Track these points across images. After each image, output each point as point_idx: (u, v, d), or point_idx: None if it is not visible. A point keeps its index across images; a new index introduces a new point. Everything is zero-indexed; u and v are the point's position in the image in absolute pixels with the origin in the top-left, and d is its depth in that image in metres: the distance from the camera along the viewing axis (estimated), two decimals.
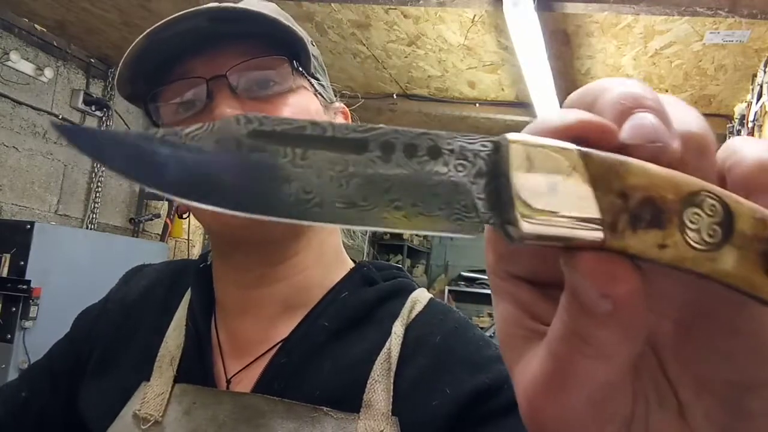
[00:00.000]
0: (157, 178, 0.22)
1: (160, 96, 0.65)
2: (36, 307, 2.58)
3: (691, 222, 0.21)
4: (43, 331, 2.55)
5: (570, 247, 0.22)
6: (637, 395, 0.25)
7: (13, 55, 3.18)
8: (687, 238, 0.21)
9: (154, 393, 0.65)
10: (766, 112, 2.79)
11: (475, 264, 6.81)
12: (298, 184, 0.22)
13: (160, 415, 0.64)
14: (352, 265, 0.73)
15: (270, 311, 0.67)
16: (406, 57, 3.39)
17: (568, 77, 3.40)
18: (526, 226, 0.21)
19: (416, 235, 5.88)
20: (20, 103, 3.32)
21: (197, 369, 0.66)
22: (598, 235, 0.21)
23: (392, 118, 4.12)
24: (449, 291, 6.73)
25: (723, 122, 3.55)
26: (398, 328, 0.64)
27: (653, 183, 0.21)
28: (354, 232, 0.80)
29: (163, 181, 0.22)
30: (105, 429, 0.66)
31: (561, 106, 0.26)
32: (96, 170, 3.84)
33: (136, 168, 0.23)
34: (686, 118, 0.23)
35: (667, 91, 3.35)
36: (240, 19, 0.61)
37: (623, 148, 0.22)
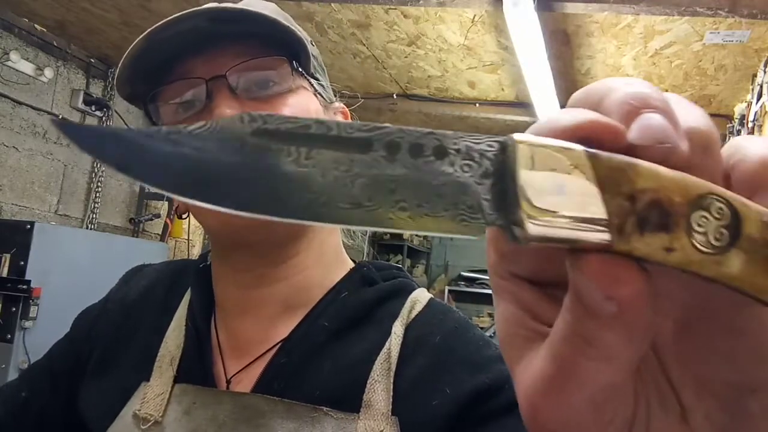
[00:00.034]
0: (159, 176, 0.22)
1: (160, 96, 0.65)
2: (36, 307, 2.58)
3: (699, 225, 0.21)
4: (43, 331, 2.55)
5: (576, 248, 0.21)
6: (638, 397, 0.25)
7: (13, 55, 3.18)
8: (694, 241, 0.21)
9: (154, 393, 0.65)
10: (766, 112, 2.79)
11: (475, 264, 6.81)
12: (302, 183, 0.22)
13: (160, 415, 0.64)
14: (352, 265, 0.73)
15: (270, 311, 0.67)
16: (406, 57, 3.39)
17: (568, 77, 3.40)
18: (532, 228, 0.21)
19: (416, 235, 5.88)
20: (20, 103, 3.32)
21: (197, 369, 0.66)
22: (605, 237, 0.21)
23: (392, 118, 4.12)
24: (449, 291, 6.73)
25: (723, 122, 3.55)
26: (398, 328, 0.64)
27: (662, 185, 0.21)
28: (354, 232, 0.80)
29: (165, 179, 0.22)
30: (105, 429, 0.66)
31: (564, 106, 0.26)
32: (96, 170, 3.84)
33: (136, 166, 0.22)
34: (691, 115, 0.23)
35: (666, 91, 3.33)
36: (239, 19, 0.61)
37: (630, 149, 0.22)
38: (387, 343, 0.63)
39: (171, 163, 0.22)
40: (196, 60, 0.63)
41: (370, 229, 0.23)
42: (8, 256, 2.59)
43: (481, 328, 0.88)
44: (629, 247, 0.21)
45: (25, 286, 2.55)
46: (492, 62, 3.36)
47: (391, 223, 0.22)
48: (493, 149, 0.23)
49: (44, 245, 2.66)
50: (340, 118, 0.74)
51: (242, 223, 0.61)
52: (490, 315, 6.25)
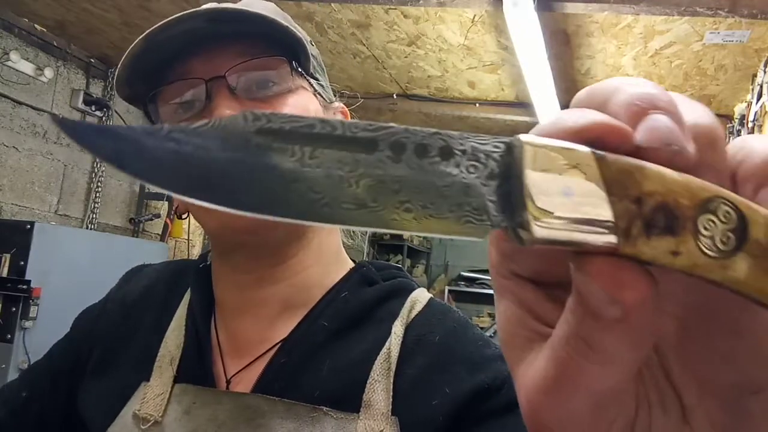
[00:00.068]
0: (158, 174, 0.22)
1: (160, 97, 0.65)
2: (36, 307, 2.58)
3: (705, 228, 0.21)
4: (43, 331, 2.55)
5: (581, 251, 0.21)
6: (640, 398, 0.25)
7: (13, 55, 3.18)
8: (700, 244, 0.21)
9: (153, 393, 0.65)
10: (766, 112, 2.79)
11: (475, 264, 6.80)
12: (306, 183, 0.22)
13: (160, 415, 0.64)
14: (351, 265, 0.73)
15: (270, 311, 0.67)
16: (406, 57, 3.39)
17: (568, 77, 3.40)
18: (538, 230, 0.21)
19: (417, 235, 5.87)
20: (20, 103, 3.32)
21: (197, 369, 0.66)
22: (611, 240, 0.21)
23: (392, 118, 4.11)
24: (449, 291, 6.72)
25: (723, 122, 3.54)
26: (398, 328, 0.64)
27: (669, 188, 0.21)
28: (353, 231, 0.80)
29: (164, 177, 0.22)
30: (105, 429, 0.66)
31: (565, 106, 0.25)
32: (96, 170, 3.84)
33: (135, 163, 0.22)
34: (695, 113, 0.23)
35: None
36: (239, 19, 0.61)
37: (637, 151, 0.22)
38: (387, 343, 0.63)
39: (171, 161, 0.22)
40: (195, 60, 0.63)
41: (374, 230, 0.23)
42: (8, 256, 2.59)
43: (481, 328, 0.88)
44: (635, 251, 0.21)
45: (25, 286, 2.54)
46: (492, 62, 3.36)
47: (396, 224, 0.22)
48: (499, 150, 0.23)
49: (44, 245, 2.66)
50: (339, 117, 0.74)
51: (242, 226, 0.61)
52: (490, 315, 6.25)
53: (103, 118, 3.81)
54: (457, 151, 0.22)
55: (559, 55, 3.11)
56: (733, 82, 3.26)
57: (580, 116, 0.23)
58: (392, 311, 0.66)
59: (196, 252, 4.26)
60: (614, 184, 0.21)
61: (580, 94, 0.25)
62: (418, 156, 0.22)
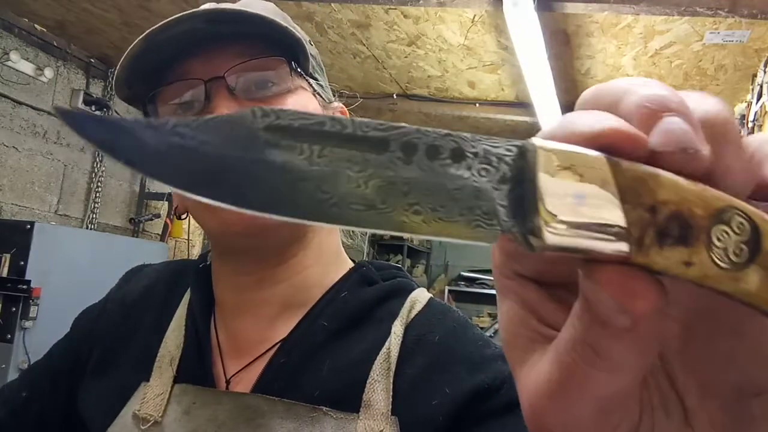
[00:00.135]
0: (162, 169, 0.21)
1: (159, 97, 0.65)
2: (36, 307, 2.58)
3: (719, 239, 0.20)
4: (43, 331, 2.55)
5: (592, 259, 0.21)
6: (643, 403, 0.25)
7: (13, 55, 3.18)
8: (713, 255, 0.20)
9: (153, 393, 0.65)
10: (766, 112, 2.79)
11: (475, 264, 6.80)
12: (314, 182, 0.21)
13: (160, 415, 0.64)
14: (351, 264, 0.73)
15: (269, 311, 0.67)
16: (406, 57, 3.39)
17: (568, 77, 3.40)
18: (550, 237, 0.20)
19: (425, 238, 5.86)
20: (20, 103, 3.32)
21: (197, 369, 0.66)
22: (624, 249, 0.20)
23: (392, 118, 4.11)
24: (449, 291, 6.72)
25: None
26: (398, 328, 0.64)
27: (683, 197, 0.20)
28: (353, 231, 0.80)
29: (168, 172, 0.21)
30: (105, 429, 0.66)
31: (565, 106, 0.25)
32: (96, 170, 3.84)
33: (140, 158, 0.21)
34: (704, 105, 0.23)
35: None
36: (238, 20, 0.61)
37: (651, 155, 0.21)
38: (387, 343, 0.63)
39: (174, 156, 0.21)
40: (194, 61, 0.63)
41: (382, 232, 0.22)
42: (8, 256, 2.59)
43: (481, 328, 0.88)
44: (648, 260, 0.20)
45: (25, 286, 2.54)
46: (492, 62, 3.36)
47: (404, 227, 0.22)
48: (511, 154, 0.22)
49: (44, 245, 2.66)
50: None
51: (242, 228, 0.61)
52: (490, 315, 6.25)
53: None
54: (468, 154, 0.22)
55: (559, 55, 3.11)
56: (733, 82, 3.26)
57: (594, 121, 0.22)
58: (392, 311, 0.66)
59: (196, 252, 4.26)
60: (628, 192, 0.21)
61: (587, 95, 0.24)
62: (429, 158, 0.22)
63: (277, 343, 0.65)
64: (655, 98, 0.22)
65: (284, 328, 0.66)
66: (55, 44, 3.46)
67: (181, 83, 0.63)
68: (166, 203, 4.08)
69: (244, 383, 0.64)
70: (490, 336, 0.70)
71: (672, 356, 0.26)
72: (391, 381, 0.61)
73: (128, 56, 0.62)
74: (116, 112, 3.84)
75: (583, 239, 0.20)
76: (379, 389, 0.60)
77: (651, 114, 0.21)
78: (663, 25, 2.75)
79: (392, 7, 2.75)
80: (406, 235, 0.22)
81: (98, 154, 3.81)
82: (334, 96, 0.74)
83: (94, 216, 3.80)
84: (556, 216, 0.21)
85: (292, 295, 0.67)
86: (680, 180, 0.21)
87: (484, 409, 0.59)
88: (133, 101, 0.67)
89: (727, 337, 0.24)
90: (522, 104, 3.81)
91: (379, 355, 0.62)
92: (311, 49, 0.68)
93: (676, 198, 0.20)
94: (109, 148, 0.21)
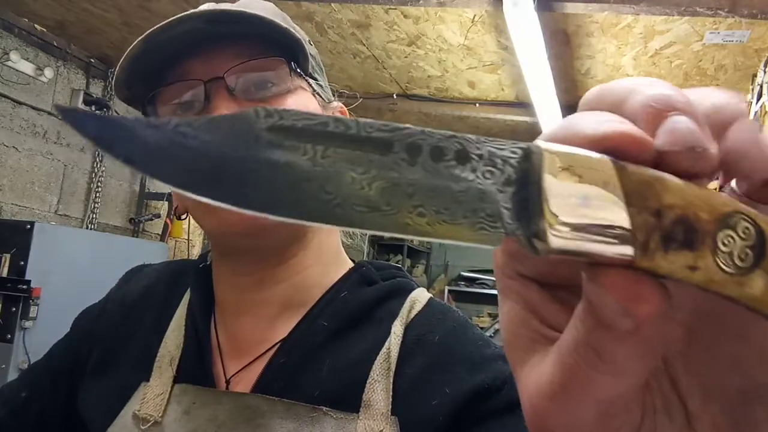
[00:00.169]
0: (162, 168, 0.21)
1: (159, 98, 0.65)
2: (36, 307, 2.58)
3: (724, 244, 0.20)
4: (43, 331, 2.55)
5: (596, 262, 0.21)
6: (646, 406, 0.25)
7: (13, 55, 3.18)
8: (718, 260, 0.20)
9: (153, 393, 0.65)
10: (766, 112, 2.79)
11: (475, 264, 6.80)
12: (317, 183, 0.21)
13: (160, 415, 0.64)
14: (351, 264, 0.73)
15: (269, 311, 0.67)
16: (406, 57, 3.39)
17: (568, 77, 3.40)
18: (554, 240, 0.20)
19: (429, 240, 5.85)
20: (20, 103, 3.32)
21: (197, 369, 0.66)
22: (629, 253, 0.20)
23: (392, 118, 4.11)
24: (449, 291, 6.72)
25: None
26: (397, 328, 0.64)
27: (689, 202, 0.20)
28: (354, 231, 0.80)
29: (169, 172, 0.21)
30: (105, 429, 0.66)
31: (569, 105, 0.25)
32: (96, 170, 3.84)
33: (140, 156, 0.21)
34: (711, 99, 0.22)
35: None
36: (237, 20, 0.61)
37: (657, 156, 0.21)
38: (386, 343, 0.63)
39: (176, 155, 0.21)
40: (194, 61, 0.63)
41: (386, 234, 0.22)
42: (8, 256, 2.59)
43: (481, 328, 0.88)
44: (653, 265, 0.20)
45: (25, 286, 2.54)
46: (492, 62, 3.36)
47: (408, 229, 0.21)
48: (516, 156, 0.22)
49: (44, 245, 2.66)
50: None
51: (242, 228, 0.61)
52: (490, 315, 6.25)
53: None
54: (473, 156, 0.22)
55: (559, 55, 3.11)
56: (733, 82, 3.26)
57: (599, 123, 0.22)
58: (392, 311, 0.66)
59: (196, 252, 4.26)
60: (634, 195, 0.20)
61: (590, 95, 0.24)
62: (433, 159, 0.22)
63: (277, 343, 0.65)
64: (661, 98, 0.22)
65: (284, 328, 0.66)
66: (55, 44, 3.46)
67: (181, 84, 0.63)
68: (166, 203, 4.07)
69: (244, 383, 0.64)
70: (491, 336, 0.70)
71: (675, 359, 0.25)
72: (391, 381, 0.61)
73: (128, 57, 0.62)
74: (116, 112, 3.84)
75: (587, 243, 0.20)
76: (379, 389, 0.60)
77: (657, 114, 0.21)
78: (663, 25, 2.75)
79: (392, 7, 2.75)
80: (410, 237, 0.22)
81: (98, 154, 3.81)
82: (333, 96, 0.74)
83: (94, 216, 3.80)
84: (560, 219, 0.20)
85: (292, 295, 0.67)
86: (686, 184, 0.21)
87: (484, 409, 0.59)
88: (133, 102, 0.67)
89: (731, 341, 0.24)
90: (522, 104, 3.81)
91: (379, 355, 0.62)
92: (311, 49, 0.68)
93: (681, 202, 0.20)
94: (108, 145, 0.21)
